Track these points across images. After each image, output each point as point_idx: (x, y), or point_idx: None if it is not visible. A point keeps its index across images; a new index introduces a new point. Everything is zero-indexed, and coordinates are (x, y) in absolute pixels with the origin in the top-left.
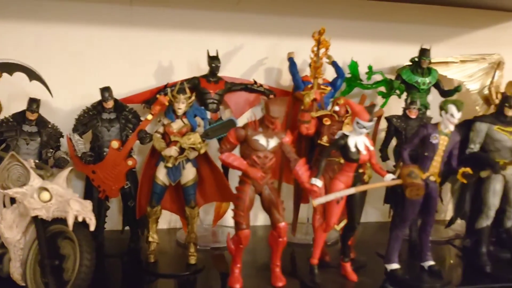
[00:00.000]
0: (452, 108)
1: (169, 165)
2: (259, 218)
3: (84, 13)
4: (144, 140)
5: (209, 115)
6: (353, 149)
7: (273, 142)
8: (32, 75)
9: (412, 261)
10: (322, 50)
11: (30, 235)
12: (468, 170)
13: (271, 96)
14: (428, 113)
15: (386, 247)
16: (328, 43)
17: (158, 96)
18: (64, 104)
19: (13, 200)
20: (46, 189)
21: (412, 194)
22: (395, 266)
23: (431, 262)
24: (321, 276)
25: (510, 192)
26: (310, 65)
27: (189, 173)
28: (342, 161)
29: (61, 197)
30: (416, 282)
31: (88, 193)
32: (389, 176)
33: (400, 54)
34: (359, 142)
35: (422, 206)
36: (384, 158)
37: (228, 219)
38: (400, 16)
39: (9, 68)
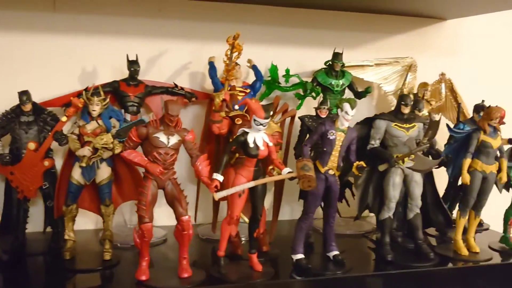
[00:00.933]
0: (346, 106)
1: (83, 164)
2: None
3: (8, 19)
4: (60, 141)
5: (129, 117)
6: (251, 145)
7: (173, 139)
8: None
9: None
10: (235, 54)
11: None
12: (362, 163)
13: (193, 98)
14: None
15: (292, 238)
16: (241, 47)
17: (72, 98)
18: None
19: None
20: None
21: (304, 186)
22: (299, 256)
23: (336, 252)
24: (227, 267)
25: (410, 185)
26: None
27: (103, 172)
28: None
29: None
30: (319, 270)
31: (8, 194)
32: (286, 170)
33: (319, 59)
34: (257, 138)
35: (323, 199)
36: (297, 156)
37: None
38: (319, 23)
39: None
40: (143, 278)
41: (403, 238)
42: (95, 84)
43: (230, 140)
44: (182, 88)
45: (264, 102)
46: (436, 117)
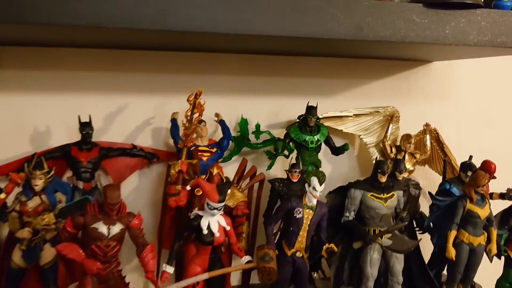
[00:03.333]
0: (314, 181)
1: (23, 247)
2: None
3: None
4: (1, 219)
5: (81, 184)
6: (205, 231)
7: (115, 229)
8: None
9: None
10: (195, 115)
11: None
12: (332, 246)
13: (154, 159)
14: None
15: None
16: (203, 107)
17: (10, 173)
18: None
19: None
20: None
21: (264, 279)
22: None
23: None
24: None
25: (390, 260)
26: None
27: (47, 254)
28: None
29: None
30: None
31: None
32: (245, 258)
33: (294, 107)
34: (212, 223)
35: (293, 283)
36: (267, 225)
37: None
38: (292, 70)
39: None
40: None
41: None
42: (47, 147)
43: (189, 214)
44: (141, 149)
45: (233, 162)
46: (414, 190)
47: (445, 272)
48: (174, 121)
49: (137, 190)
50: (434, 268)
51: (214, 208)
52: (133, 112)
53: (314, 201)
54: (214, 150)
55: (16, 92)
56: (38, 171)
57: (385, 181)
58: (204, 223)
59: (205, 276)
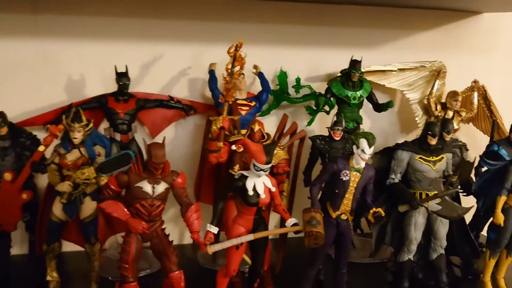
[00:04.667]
0: (363, 143)
1: (63, 201)
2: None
3: None
4: (39, 171)
5: (119, 137)
6: (251, 192)
7: (160, 188)
8: None
9: None
10: (236, 68)
11: None
12: (380, 211)
13: (191, 112)
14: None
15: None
16: (244, 60)
17: (49, 126)
18: None
19: None
20: None
21: (310, 243)
22: None
23: None
24: None
25: (435, 224)
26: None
27: (87, 208)
28: None
29: None
30: None
31: None
32: (291, 221)
33: (336, 60)
34: (258, 184)
35: (335, 245)
36: (307, 183)
37: None
38: (334, 19)
39: None
40: None
41: (423, 273)
42: (82, 97)
43: (230, 170)
44: (178, 101)
45: (271, 116)
46: (469, 154)
47: (484, 233)
48: (212, 72)
49: (173, 142)
50: (474, 231)
51: (261, 170)
52: (168, 62)
53: (362, 164)
54: (253, 104)
55: (51, 39)
56: (77, 123)
57: (435, 143)
58: (249, 184)
59: (250, 237)
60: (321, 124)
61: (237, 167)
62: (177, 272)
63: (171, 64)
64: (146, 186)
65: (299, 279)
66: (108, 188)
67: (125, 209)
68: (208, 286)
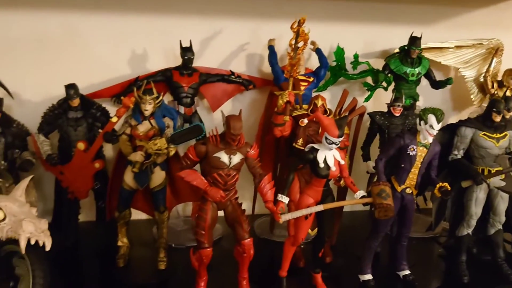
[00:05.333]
0: (431, 118)
1: (136, 170)
2: None
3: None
4: (111, 142)
5: (182, 109)
6: (322, 164)
7: (236, 159)
8: None
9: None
10: (300, 44)
11: None
12: (446, 185)
13: (250, 87)
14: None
15: (360, 257)
16: (307, 36)
17: (122, 98)
18: (32, 95)
19: None
20: (0, 208)
21: (380, 215)
22: (367, 277)
23: (406, 272)
24: (290, 287)
25: (495, 200)
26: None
27: (157, 177)
28: None
29: (15, 217)
30: None
31: (58, 194)
32: (360, 193)
33: (392, 37)
34: (328, 157)
35: (398, 217)
36: (365, 158)
37: None
38: None
39: None
40: None
41: (478, 248)
42: (144, 70)
43: (294, 144)
44: (238, 76)
45: (326, 91)
46: None
47: None
48: (271, 48)
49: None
50: None
51: (333, 143)
52: (227, 37)
53: (430, 139)
54: (311, 79)
55: (113, 13)
56: (148, 96)
57: (499, 120)
58: (320, 157)
59: (320, 208)
60: (374, 101)
61: (300, 140)
62: (248, 239)
63: (230, 39)
64: (224, 157)
65: (354, 250)
66: (186, 158)
67: (203, 178)
68: (265, 256)
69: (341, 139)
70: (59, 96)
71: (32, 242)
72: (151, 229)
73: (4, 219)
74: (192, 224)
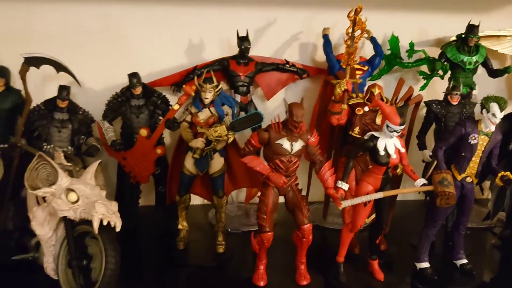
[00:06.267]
0: (494, 107)
1: (196, 156)
2: None
3: None
4: (172, 128)
5: (239, 98)
6: (382, 152)
7: (297, 146)
8: (59, 67)
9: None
10: (357, 32)
11: (61, 232)
12: (508, 174)
13: (304, 75)
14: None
15: (417, 245)
16: (364, 24)
17: (184, 86)
18: (94, 84)
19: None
20: (73, 190)
21: (442, 203)
22: (424, 265)
23: (464, 261)
24: (347, 273)
25: None
26: None
27: (216, 163)
28: None
29: (88, 199)
30: (445, 282)
31: (120, 178)
32: (420, 181)
33: (447, 25)
34: (389, 145)
35: (457, 206)
36: (421, 147)
37: None
38: None
39: (36, 62)
40: (261, 284)
41: None
42: (200, 60)
43: (350, 132)
44: (293, 65)
45: (381, 80)
46: None
47: None
48: (326, 37)
49: (283, 104)
50: None
51: (394, 131)
52: (281, 27)
53: (492, 128)
54: (366, 68)
55: (171, 3)
56: (209, 84)
57: None
58: (381, 145)
59: (380, 195)
60: (426, 89)
61: (357, 129)
62: (308, 225)
63: (283, 28)
64: (286, 143)
65: (407, 239)
66: (249, 144)
67: (266, 164)
68: (318, 242)
69: (402, 127)
70: (120, 84)
71: (105, 223)
72: (205, 214)
73: (77, 201)
74: (246, 210)
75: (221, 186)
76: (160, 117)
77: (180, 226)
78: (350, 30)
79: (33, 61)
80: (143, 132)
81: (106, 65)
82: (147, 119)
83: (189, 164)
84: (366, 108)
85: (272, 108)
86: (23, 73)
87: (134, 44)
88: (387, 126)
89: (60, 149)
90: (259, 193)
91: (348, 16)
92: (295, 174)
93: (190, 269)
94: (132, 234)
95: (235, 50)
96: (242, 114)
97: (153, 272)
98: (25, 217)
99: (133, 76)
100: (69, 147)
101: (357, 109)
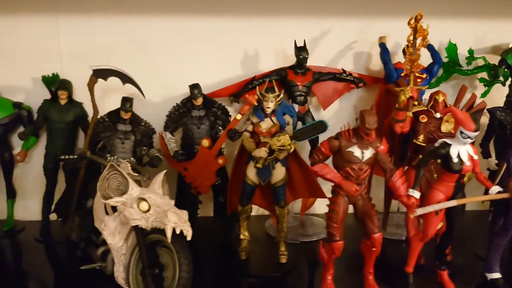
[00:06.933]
0: None
1: (259, 165)
2: None
3: (167, 4)
4: (233, 139)
5: (296, 108)
6: (455, 159)
7: (368, 154)
8: (125, 79)
9: None
10: (419, 40)
11: (131, 241)
12: None
13: (361, 84)
14: None
15: (487, 254)
16: (426, 31)
17: (247, 96)
18: (153, 96)
19: (114, 208)
20: (145, 200)
21: None
22: (496, 275)
23: None
24: (416, 284)
25: None
26: (403, 51)
27: (279, 173)
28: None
29: (159, 208)
30: None
31: (181, 189)
32: (495, 189)
33: (504, 31)
34: (462, 151)
35: None
36: (486, 155)
37: (316, 208)
38: None
39: (104, 74)
40: None
41: None
42: (255, 71)
43: (414, 140)
44: (350, 74)
45: (441, 87)
46: None
47: None
48: (383, 45)
49: (337, 114)
50: None
51: (468, 137)
52: (335, 36)
53: None
54: (424, 76)
55: (226, 15)
56: (271, 94)
57: None
58: (453, 152)
59: (453, 203)
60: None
61: (421, 137)
62: (378, 234)
63: (337, 38)
64: (357, 151)
65: (471, 249)
66: (318, 152)
67: (337, 172)
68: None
69: (477, 133)
70: (177, 96)
71: (177, 231)
72: (261, 225)
73: (148, 210)
74: (301, 221)
75: (283, 196)
76: (220, 128)
77: (242, 236)
78: (411, 38)
79: (101, 73)
80: (205, 142)
81: (164, 77)
82: (207, 129)
83: (251, 174)
84: (438, 115)
85: (326, 118)
86: (91, 85)
87: (190, 56)
88: (461, 133)
89: (124, 160)
90: (328, 202)
91: (408, 23)
92: (365, 182)
93: (253, 279)
94: (191, 244)
95: (289, 61)
96: (299, 124)
97: (217, 282)
98: (90, 227)
99: (195, 87)
100: (132, 158)
101: (421, 116)
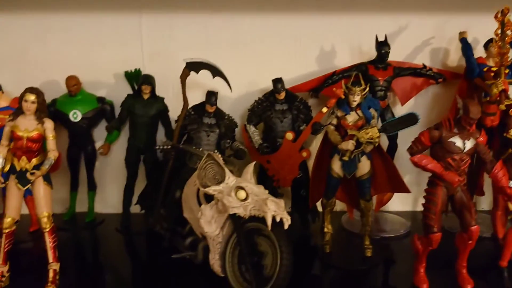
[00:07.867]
0: None
1: (346, 158)
2: None
3: (246, 2)
4: (317, 132)
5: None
6: None
7: (469, 144)
8: (215, 72)
9: None
10: (508, 33)
11: (227, 230)
12: None
13: (440, 80)
14: None
15: None
16: None
17: (334, 89)
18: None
19: (207, 197)
20: (242, 188)
21: None
22: None
23: None
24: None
25: None
26: (484, 46)
27: (364, 166)
28: None
29: (257, 196)
30: None
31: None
32: None
33: None
34: None
35: None
36: None
37: (389, 205)
38: None
39: (196, 66)
40: (425, 287)
41: None
42: (332, 66)
43: (505, 134)
44: (430, 69)
45: None
46: None
47: None
48: (464, 40)
49: (413, 110)
50: None
51: None
52: (412, 32)
53: None
54: (507, 71)
55: (304, 12)
56: (357, 87)
57: None
58: None
59: None
60: None
61: None
62: (475, 226)
63: (414, 34)
64: (458, 141)
65: None
66: (417, 143)
67: (437, 162)
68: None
69: None
70: (256, 91)
71: (277, 219)
72: (337, 220)
73: (246, 199)
74: (376, 217)
75: (369, 189)
76: (302, 122)
77: (326, 230)
78: (499, 31)
79: (193, 66)
80: (289, 135)
81: (243, 73)
82: (290, 123)
83: (336, 167)
84: None
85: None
86: (184, 77)
87: (267, 53)
88: None
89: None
90: (424, 194)
91: (495, 17)
92: (465, 173)
93: (341, 271)
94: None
95: (365, 57)
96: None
97: (305, 275)
98: (176, 218)
99: (278, 81)
100: (215, 151)
101: (511, 110)
